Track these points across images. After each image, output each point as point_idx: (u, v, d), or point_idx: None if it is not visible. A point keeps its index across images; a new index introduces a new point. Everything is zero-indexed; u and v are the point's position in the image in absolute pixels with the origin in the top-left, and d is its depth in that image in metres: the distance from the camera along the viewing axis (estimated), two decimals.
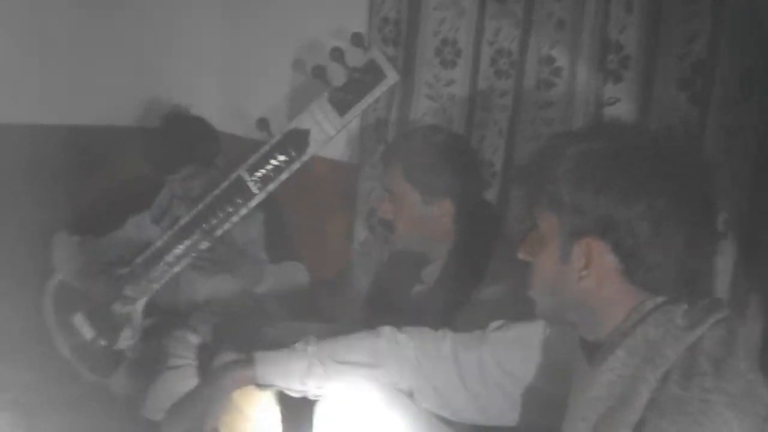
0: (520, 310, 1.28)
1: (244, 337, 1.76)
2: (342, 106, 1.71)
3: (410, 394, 1.30)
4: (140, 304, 1.87)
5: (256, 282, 1.89)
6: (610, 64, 1.51)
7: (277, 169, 1.76)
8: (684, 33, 1.42)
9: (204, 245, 1.77)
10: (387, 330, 1.32)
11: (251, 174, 1.76)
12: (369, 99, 1.69)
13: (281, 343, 1.32)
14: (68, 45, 2.17)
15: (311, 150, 1.74)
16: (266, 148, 1.75)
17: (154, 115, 2.20)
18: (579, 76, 1.59)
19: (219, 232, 1.77)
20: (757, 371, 0.93)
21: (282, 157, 1.75)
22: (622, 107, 1.50)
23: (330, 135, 1.73)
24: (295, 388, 1.30)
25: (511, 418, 1.26)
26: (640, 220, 0.95)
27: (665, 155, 0.98)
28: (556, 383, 1.18)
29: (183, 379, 1.72)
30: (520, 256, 1.07)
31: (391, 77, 1.64)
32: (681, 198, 0.96)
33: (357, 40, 1.66)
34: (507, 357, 1.25)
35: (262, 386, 1.31)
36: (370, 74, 1.64)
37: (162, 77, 2.33)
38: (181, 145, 1.95)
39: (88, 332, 1.94)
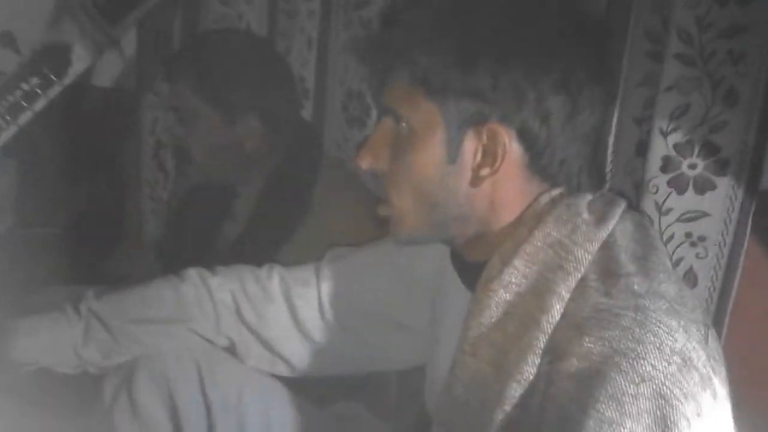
0: (358, 237, 1.10)
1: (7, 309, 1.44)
2: (112, 13, 1.35)
3: (232, 351, 1.04)
4: None
5: None
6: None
7: (29, 96, 1.38)
8: None
9: None
10: (193, 273, 1.05)
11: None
12: (146, 7, 1.36)
13: None
14: None
15: (75, 69, 1.37)
16: (14, 70, 1.36)
17: None
18: None
19: None
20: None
21: (35, 80, 1.37)
22: None
23: (99, 50, 1.38)
24: (70, 363, 0.99)
25: (364, 363, 1.05)
26: (554, 94, 0.74)
27: (567, 10, 0.78)
28: (417, 313, 0.98)
29: None
30: (365, 165, 0.82)
31: None
32: (596, 66, 0.77)
33: None
34: (350, 289, 1.02)
35: (23, 364, 0.98)
36: None
37: None
38: None
39: None
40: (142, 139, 1.69)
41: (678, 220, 1.17)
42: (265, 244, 1.27)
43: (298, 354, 1.04)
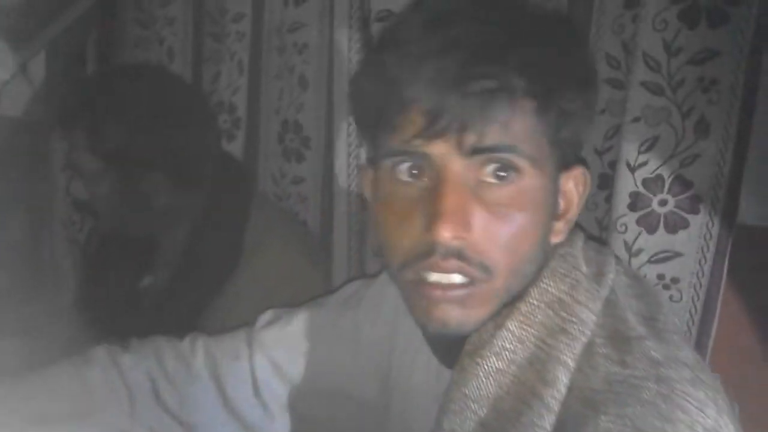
0: (299, 284, 0.97)
1: None
2: (16, 37, 1.21)
3: None
4: None
5: None
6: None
7: None
8: None
9: None
10: (101, 353, 0.89)
11: None
12: (54, 28, 1.21)
13: None
14: None
15: None
16: None
17: None
18: None
19: None
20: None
21: None
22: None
23: (3, 79, 1.23)
24: None
25: None
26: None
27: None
28: (364, 383, 0.84)
29: None
30: (456, 235, 0.61)
31: None
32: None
33: None
34: (288, 361, 0.88)
35: None
36: None
37: None
38: None
39: None
40: (54, 173, 1.52)
41: (649, 261, 1.08)
42: (191, 299, 1.13)
43: None
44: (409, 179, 0.63)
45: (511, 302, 0.64)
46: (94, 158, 1.09)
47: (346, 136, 1.22)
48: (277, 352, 0.89)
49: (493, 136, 0.60)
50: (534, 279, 0.64)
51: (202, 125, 1.19)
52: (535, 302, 0.63)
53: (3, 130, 1.51)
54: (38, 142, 1.53)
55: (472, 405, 0.62)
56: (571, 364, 0.60)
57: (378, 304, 0.85)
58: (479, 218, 0.60)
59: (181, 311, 1.13)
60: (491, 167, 0.61)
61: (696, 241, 1.05)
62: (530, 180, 0.62)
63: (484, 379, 0.62)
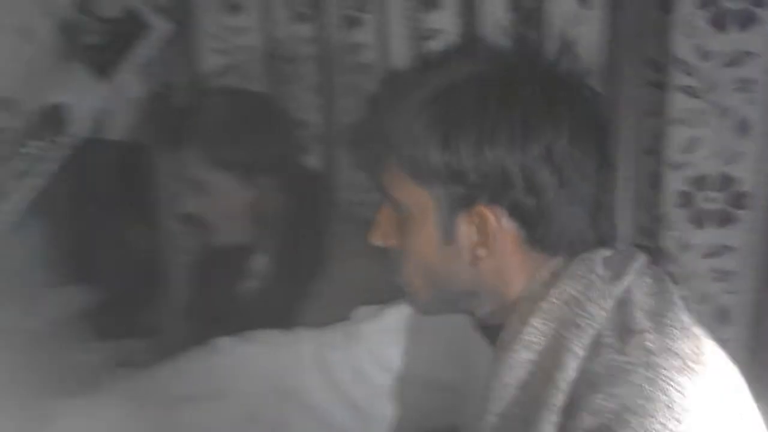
0: (381, 290, 1.03)
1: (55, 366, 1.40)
2: (103, 69, 1.35)
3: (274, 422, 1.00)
4: None
5: (27, 316, 1.53)
6: None
7: (35, 159, 1.38)
8: None
9: None
10: (224, 343, 1.02)
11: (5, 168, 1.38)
12: (136, 57, 1.35)
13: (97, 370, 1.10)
14: None
15: (75, 128, 1.37)
16: (14, 134, 1.37)
17: None
18: (390, 7, 1.32)
19: None
20: (700, 325, 0.73)
21: (37, 143, 1.37)
22: (445, 38, 1.25)
23: (95, 107, 1.38)
24: None
25: (404, 426, 1.00)
26: (540, 168, 0.72)
27: (548, 78, 0.75)
28: (453, 370, 0.95)
29: None
30: (376, 242, 0.83)
31: (159, 27, 1.30)
32: (581, 131, 0.74)
33: None
34: (387, 350, 0.99)
35: None
36: (130, 25, 1.29)
37: None
38: None
39: None
40: (158, 186, 1.67)
41: (701, 256, 1.11)
42: (286, 299, 1.24)
43: (338, 416, 1.00)
44: None
45: (533, 300, 0.74)
46: (202, 174, 1.23)
47: None
48: (376, 344, 0.99)
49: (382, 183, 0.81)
50: (555, 280, 0.74)
51: (293, 141, 1.32)
52: (554, 300, 0.73)
53: (107, 153, 1.68)
54: (141, 161, 1.70)
55: (510, 390, 0.73)
56: (580, 352, 0.69)
57: None
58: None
59: (278, 313, 1.24)
60: None
61: (745, 235, 1.08)
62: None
63: (517, 368, 0.73)
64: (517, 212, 0.74)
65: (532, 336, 0.73)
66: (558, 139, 0.73)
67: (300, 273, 1.26)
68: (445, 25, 1.25)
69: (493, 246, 0.75)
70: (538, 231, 0.75)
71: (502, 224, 0.74)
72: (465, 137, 0.73)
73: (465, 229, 0.75)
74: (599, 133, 0.77)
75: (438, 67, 0.79)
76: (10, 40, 1.83)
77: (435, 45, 1.25)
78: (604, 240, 0.77)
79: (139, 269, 1.80)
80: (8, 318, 1.60)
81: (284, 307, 1.24)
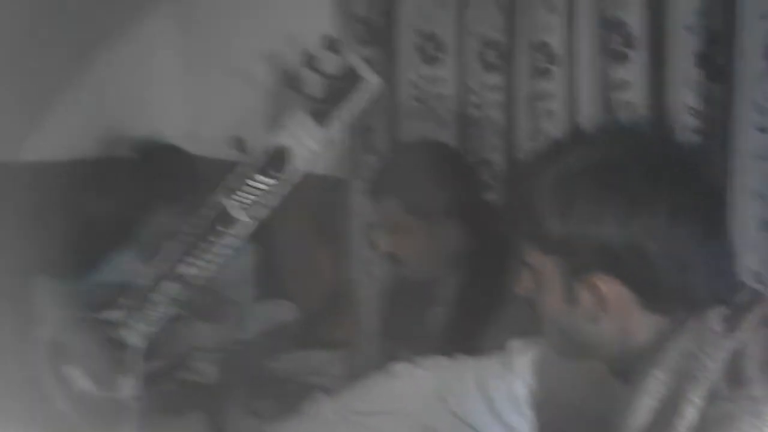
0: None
1: (250, 376, 1.67)
2: (322, 118, 1.55)
3: None
4: (136, 349, 1.72)
5: (238, 327, 1.78)
6: (614, 45, 1.37)
7: (261, 193, 1.61)
8: (693, 3, 1.29)
9: (192, 282, 1.63)
10: (402, 368, 1.18)
11: (232, 199, 1.61)
12: (350, 108, 1.54)
13: (290, 377, 1.23)
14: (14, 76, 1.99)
15: (294, 168, 1.58)
16: (245, 170, 1.59)
17: (118, 144, 2.06)
18: (579, 61, 1.45)
19: (207, 267, 1.62)
20: None
21: (265, 179, 1.60)
22: (632, 90, 1.36)
23: (313, 150, 1.59)
24: None
25: None
26: (647, 241, 0.81)
27: (658, 156, 0.85)
28: (595, 402, 1.02)
29: None
30: (519, 293, 0.94)
31: (372, 81, 1.48)
32: (686, 200, 0.83)
33: (330, 43, 1.51)
34: (540, 382, 1.10)
35: None
36: (348, 80, 1.49)
37: (121, 103, 2.16)
38: (158, 176, 1.87)
39: (85, 384, 1.78)
40: (353, 220, 1.89)
41: None
42: (468, 327, 1.38)
43: None
44: None
45: (654, 353, 0.83)
46: (404, 213, 1.42)
47: None
48: (527, 376, 1.11)
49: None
50: (673, 334, 0.83)
51: (477, 185, 1.51)
52: (673, 354, 0.82)
53: (312, 187, 1.91)
54: (339, 196, 1.92)
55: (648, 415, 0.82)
56: (697, 401, 0.78)
57: None
58: None
59: (459, 340, 1.39)
60: None
61: None
62: None
63: (640, 413, 0.82)
64: (630, 281, 0.83)
65: (654, 385, 0.82)
66: (664, 214, 0.81)
67: (480, 303, 1.40)
68: (633, 77, 1.36)
69: (610, 310, 0.85)
70: (652, 296, 0.84)
71: (616, 292, 0.84)
72: (578, 217, 0.83)
73: (584, 294, 0.85)
74: (708, 202, 0.85)
75: (558, 152, 0.90)
76: (235, 84, 2.12)
77: (622, 96, 1.37)
78: (722, 294, 0.84)
79: (334, 290, 2.02)
80: (223, 331, 1.86)
81: (464, 333, 1.38)
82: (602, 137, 0.93)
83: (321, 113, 1.57)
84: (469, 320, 1.38)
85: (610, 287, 0.84)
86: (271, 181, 1.59)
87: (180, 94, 2.26)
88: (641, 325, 0.86)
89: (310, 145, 1.59)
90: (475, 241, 1.45)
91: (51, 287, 1.88)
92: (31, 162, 2.02)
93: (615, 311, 0.85)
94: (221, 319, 1.76)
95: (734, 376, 0.79)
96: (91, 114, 2.11)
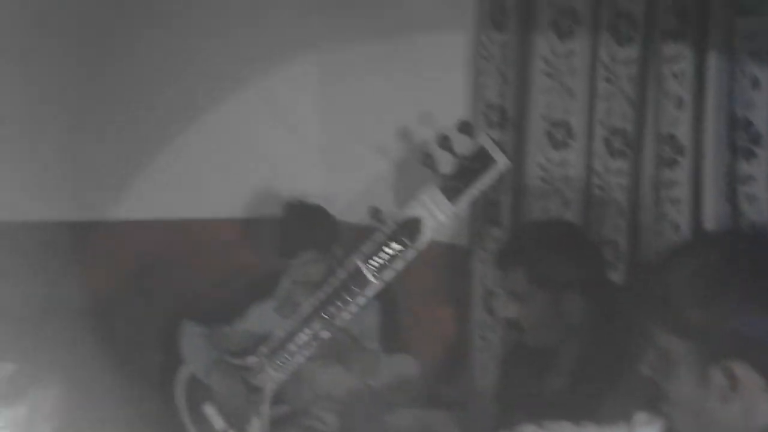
0: None
1: (368, 428, 1.76)
2: (452, 194, 1.68)
3: None
4: (268, 394, 1.88)
5: (371, 374, 1.88)
6: (740, 141, 1.44)
7: (392, 258, 1.75)
8: None
9: (325, 335, 1.77)
10: (529, 429, 1.25)
11: (367, 262, 1.75)
12: (480, 186, 1.67)
13: None
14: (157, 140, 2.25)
15: (424, 238, 1.72)
16: (380, 236, 1.74)
17: (265, 205, 2.28)
18: (706, 154, 1.52)
19: (339, 322, 1.76)
20: None
21: (396, 246, 1.74)
22: (757, 185, 1.42)
23: (442, 222, 1.72)
24: None
25: None
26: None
27: None
28: None
29: None
30: (647, 373, 1.00)
31: (502, 163, 1.61)
32: None
33: (465, 128, 1.64)
34: None
35: None
36: (480, 161, 1.62)
37: (265, 162, 2.39)
38: (303, 231, 2.02)
39: (218, 423, 1.97)
40: (473, 285, 2.00)
41: None
42: (587, 396, 1.44)
43: None
44: None
45: None
46: (529, 284, 1.51)
47: None
48: None
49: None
50: None
51: (599, 262, 1.58)
52: None
53: (433, 252, 2.03)
54: (461, 262, 2.03)
55: None
56: None
57: None
58: None
59: (578, 407, 1.44)
60: None
61: None
62: None
63: None
64: (762, 367, 0.89)
65: None
66: None
67: (600, 375, 1.45)
68: (758, 173, 1.42)
69: (741, 392, 0.90)
70: None
71: (749, 377, 0.89)
72: (718, 307, 0.90)
73: (718, 377, 0.91)
74: None
75: (697, 248, 0.99)
76: (370, 153, 2.29)
77: (747, 189, 1.43)
78: None
79: (453, 351, 2.12)
80: (354, 377, 1.97)
81: (583, 402, 1.42)
82: (735, 237, 1.02)
83: (452, 190, 1.72)
84: (589, 390, 1.44)
85: (744, 372, 0.90)
86: (402, 248, 1.74)
87: (317, 154, 2.46)
88: (766, 407, 0.91)
89: (439, 218, 1.73)
90: (596, 315, 1.51)
91: (199, 332, 2.10)
92: (186, 219, 2.27)
93: (745, 394, 0.90)
94: (356, 364, 1.89)
95: None
96: (239, 174, 2.34)
